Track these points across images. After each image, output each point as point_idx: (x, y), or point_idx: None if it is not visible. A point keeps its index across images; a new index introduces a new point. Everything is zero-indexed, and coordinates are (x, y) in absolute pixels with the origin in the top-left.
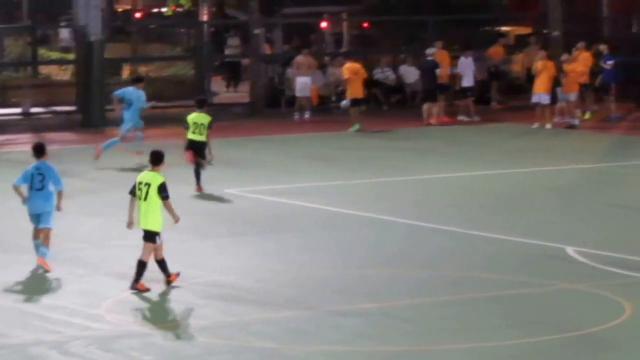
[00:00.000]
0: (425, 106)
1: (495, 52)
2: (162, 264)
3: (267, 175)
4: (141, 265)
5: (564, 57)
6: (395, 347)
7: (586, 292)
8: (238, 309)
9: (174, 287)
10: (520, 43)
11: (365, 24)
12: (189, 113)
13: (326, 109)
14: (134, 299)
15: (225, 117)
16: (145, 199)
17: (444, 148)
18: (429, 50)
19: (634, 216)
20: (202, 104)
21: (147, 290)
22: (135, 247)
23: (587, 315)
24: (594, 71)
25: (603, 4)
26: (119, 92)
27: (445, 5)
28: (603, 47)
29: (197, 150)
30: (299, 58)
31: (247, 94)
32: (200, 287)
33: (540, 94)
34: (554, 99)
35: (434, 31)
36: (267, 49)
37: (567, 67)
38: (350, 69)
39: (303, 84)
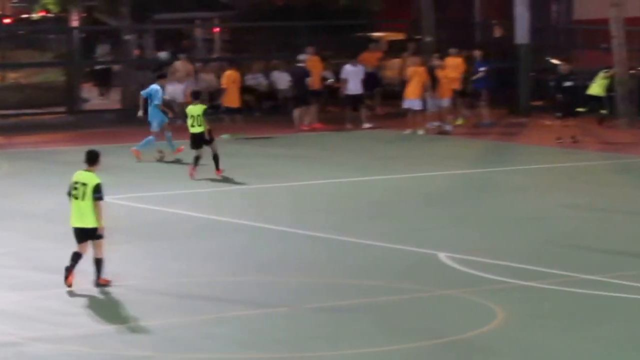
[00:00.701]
0: (296, 112)
1: (370, 58)
2: (98, 263)
3: (138, 182)
4: (98, 262)
5: (436, 62)
6: (270, 355)
7: (458, 298)
8: (110, 317)
9: (46, 295)
10: (394, 49)
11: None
12: (59, 119)
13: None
14: (8, 308)
15: (96, 124)
16: (83, 198)
17: (317, 154)
18: (301, 56)
19: (505, 222)
20: (196, 96)
21: (109, 282)
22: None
23: (460, 321)
24: (467, 77)
25: (475, 10)
26: (145, 92)
27: (317, 11)
28: (477, 53)
29: (199, 142)
30: (177, 64)
31: (119, 101)
32: (72, 295)
33: (412, 100)
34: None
35: (307, 37)
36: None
37: (439, 73)
38: (229, 77)
39: (173, 90)
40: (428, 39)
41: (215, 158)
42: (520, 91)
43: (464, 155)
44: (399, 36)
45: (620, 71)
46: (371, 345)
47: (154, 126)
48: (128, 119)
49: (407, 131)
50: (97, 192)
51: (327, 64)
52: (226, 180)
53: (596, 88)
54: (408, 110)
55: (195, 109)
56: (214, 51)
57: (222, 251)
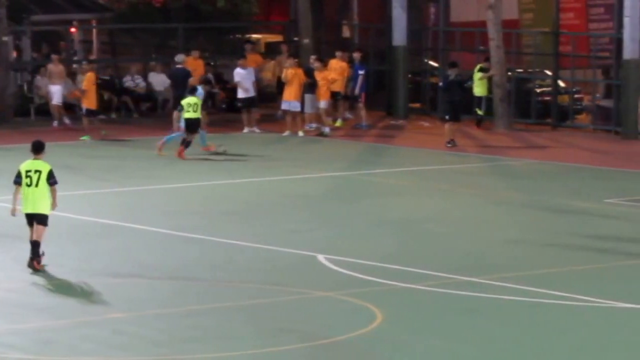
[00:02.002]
0: (175, 114)
1: (252, 60)
2: (36, 245)
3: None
4: (35, 245)
5: (316, 65)
6: (146, 357)
7: (337, 300)
8: None
9: None
10: (271, 51)
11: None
12: None
13: (77, 117)
14: None
15: None
16: (37, 185)
17: (194, 157)
18: (178, 58)
19: (384, 224)
20: (192, 91)
21: (43, 267)
22: None
23: (339, 323)
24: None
25: (353, 13)
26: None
27: (194, 13)
28: (356, 55)
29: (194, 127)
30: (50, 66)
31: None
32: None
33: (290, 102)
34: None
35: (184, 39)
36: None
37: (318, 75)
38: (89, 79)
39: (55, 92)
40: (305, 40)
41: (188, 143)
42: (398, 93)
43: (342, 157)
44: (276, 38)
45: (497, 73)
46: (247, 348)
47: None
48: (4, 121)
49: (286, 133)
50: (52, 178)
51: (209, 66)
52: (102, 181)
53: (478, 88)
54: (286, 112)
55: (194, 99)
56: (92, 53)
57: (97, 253)
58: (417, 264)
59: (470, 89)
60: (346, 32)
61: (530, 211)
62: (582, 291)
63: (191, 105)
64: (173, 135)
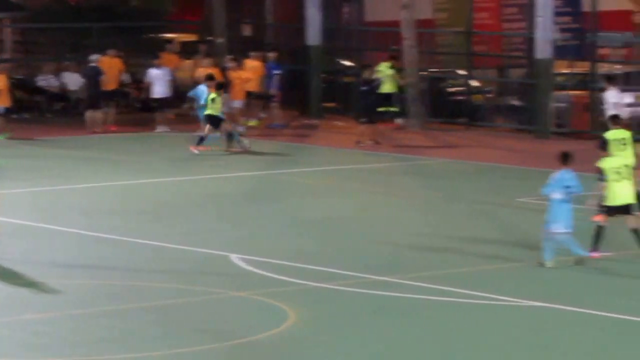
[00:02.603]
0: (88, 114)
1: (169, 60)
2: None
3: None
4: None
5: (231, 64)
6: (63, 358)
7: (250, 300)
8: None
9: None
10: (186, 51)
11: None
12: None
13: None
14: None
15: None
16: None
17: (108, 156)
18: (93, 57)
19: (298, 223)
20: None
21: None
22: None
23: (252, 323)
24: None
25: (267, 12)
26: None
27: (108, 13)
28: (271, 55)
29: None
30: None
31: None
32: None
33: None
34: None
35: (98, 38)
36: None
37: (232, 74)
38: (1, 79)
39: None
40: (220, 40)
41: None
42: (312, 93)
43: (257, 156)
44: (191, 37)
45: (411, 73)
46: (162, 348)
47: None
48: None
49: (199, 133)
50: None
51: (126, 65)
52: (15, 181)
53: (387, 85)
54: None
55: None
56: (4, 52)
57: (9, 253)
58: (331, 263)
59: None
60: (247, 31)
61: (444, 210)
62: (495, 290)
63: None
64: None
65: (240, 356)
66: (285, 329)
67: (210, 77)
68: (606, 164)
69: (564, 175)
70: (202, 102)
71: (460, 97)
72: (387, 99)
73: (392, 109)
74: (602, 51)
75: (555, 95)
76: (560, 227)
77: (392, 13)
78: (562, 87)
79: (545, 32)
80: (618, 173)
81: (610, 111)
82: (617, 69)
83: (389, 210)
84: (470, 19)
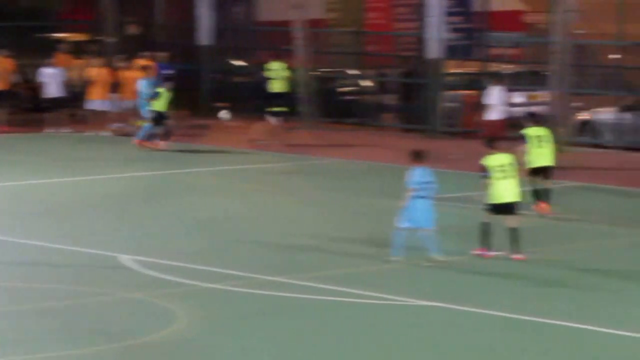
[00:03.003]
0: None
1: (61, 60)
2: None
3: None
4: None
5: (121, 64)
6: None
7: (140, 301)
8: None
9: None
10: (77, 50)
11: None
12: None
13: None
14: None
15: None
16: None
17: (2, 157)
18: None
19: (188, 224)
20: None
21: None
22: None
23: (141, 324)
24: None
25: (158, 12)
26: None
27: None
28: (162, 55)
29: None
30: None
31: None
32: None
33: (95, 101)
34: (108, 106)
35: None
36: None
37: (123, 74)
38: None
39: None
40: (110, 40)
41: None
42: (203, 93)
43: (147, 156)
44: (82, 37)
45: (302, 73)
46: (53, 350)
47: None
48: None
49: (90, 133)
50: None
51: (17, 66)
52: None
53: (277, 84)
54: (91, 112)
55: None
56: None
57: None
58: (222, 263)
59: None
60: (138, 31)
61: (335, 210)
62: (386, 289)
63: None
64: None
65: (133, 358)
66: (177, 330)
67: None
68: (491, 161)
69: (419, 173)
70: (146, 97)
71: (352, 97)
72: (278, 98)
73: (282, 108)
74: (493, 51)
75: (446, 95)
76: (410, 223)
77: (283, 13)
78: (453, 87)
79: (436, 32)
80: (503, 171)
81: (492, 109)
82: (508, 68)
83: (280, 210)
84: (361, 19)
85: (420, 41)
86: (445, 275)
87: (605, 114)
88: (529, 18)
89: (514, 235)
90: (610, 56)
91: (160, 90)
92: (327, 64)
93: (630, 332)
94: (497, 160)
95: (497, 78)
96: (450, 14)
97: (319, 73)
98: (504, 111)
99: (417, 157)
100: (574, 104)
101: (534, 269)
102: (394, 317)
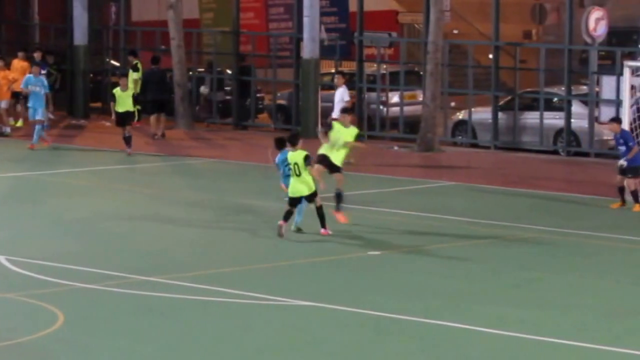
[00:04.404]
0: None
1: None
2: None
3: None
4: None
5: None
6: None
7: (17, 301)
8: None
9: None
10: None
11: None
12: None
13: None
14: None
15: None
16: None
17: None
18: None
19: (63, 224)
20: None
21: None
22: None
23: (21, 325)
24: None
25: (33, 12)
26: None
27: None
28: (37, 55)
29: (126, 119)
30: None
31: None
32: None
33: None
34: None
35: None
36: None
37: None
38: None
39: None
40: None
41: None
42: (78, 93)
43: (23, 157)
44: None
45: (179, 73)
46: None
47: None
48: None
49: None
50: None
51: None
52: None
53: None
54: None
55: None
56: None
57: None
58: (97, 264)
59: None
60: (13, 31)
61: (211, 210)
62: (264, 289)
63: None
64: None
65: (6, 358)
66: (54, 330)
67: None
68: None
69: (283, 156)
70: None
71: (228, 97)
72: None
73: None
74: (368, 51)
75: (322, 95)
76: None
77: (158, 13)
78: (329, 87)
79: (312, 32)
80: (294, 168)
81: (337, 108)
82: (383, 68)
83: (155, 210)
84: (236, 19)
85: (295, 41)
86: (325, 275)
87: (481, 114)
88: (404, 18)
89: (321, 214)
90: (485, 56)
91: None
92: (202, 65)
93: (492, 329)
94: (292, 157)
95: (342, 77)
96: (325, 14)
97: (195, 73)
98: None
99: (279, 143)
100: (449, 104)
101: (411, 266)
102: (270, 316)
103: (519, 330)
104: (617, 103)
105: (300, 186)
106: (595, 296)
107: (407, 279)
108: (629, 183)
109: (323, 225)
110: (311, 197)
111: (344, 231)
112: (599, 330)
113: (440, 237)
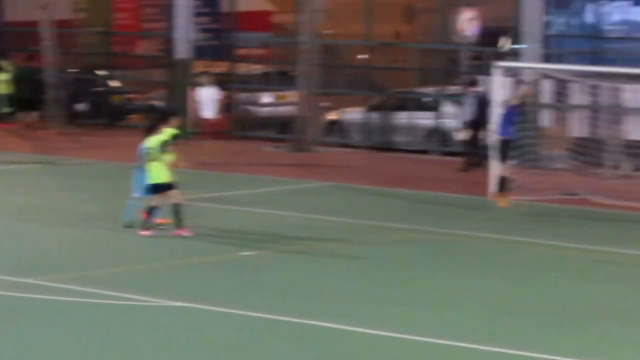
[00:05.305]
0: None
1: None
2: None
3: None
4: None
5: None
6: None
7: None
8: None
9: None
10: None
11: None
12: None
13: None
14: None
15: None
16: None
17: None
18: None
19: None
20: None
21: None
22: None
23: None
24: None
25: None
26: None
27: None
28: None
29: None
30: None
31: None
32: None
33: None
34: None
35: None
36: None
37: None
38: None
39: None
40: None
41: None
42: None
43: None
44: None
45: (51, 74)
46: None
47: None
48: None
49: None
50: None
51: None
52: None
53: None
54: None
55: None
56: None
57: None
58: None
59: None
60: None
61: (85, 211)
62: (141, 291)
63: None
64: None
65: None
66: None
67: None
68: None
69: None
70: None
71: (101, 98)
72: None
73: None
74: (241, 51)
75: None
76: (138, 192)
77: (31, 13)
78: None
79: (185, 32)
80: (150, 154)
81: (206, 108)
82: (256, 68)
83: (29, 212)
84: (110, 19)
85: (168, 41)
86: (201, 276)
87: (353, 114)
88: (277, 18)
89: (177, 211)
90: (358, 56)
91: None
92: (76, 65)
93: (371, 329)
94: (150, 142)
95: (208, 77)
96: (198, 14)
97: (68, 74)
98: (216, 109)
99: (148, 130)
100: (322, 104)
101: (286, 266)
102: (144, 318)
103: (396, 330)
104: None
105: (159, 172)
106: (474, 295)
107: (282, 279)
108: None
109: (178, 225)
110: (167, 187)
111: (218, 232)
112: (475, 329)
113: (315, 237)
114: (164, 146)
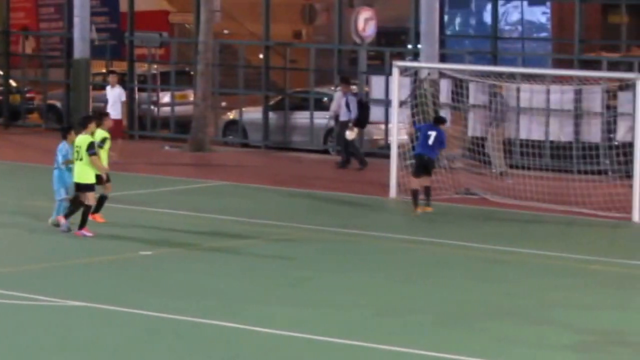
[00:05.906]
0: None
1: None
2: None
3: None
4: None
5: None
6: None
7: None
8: None
9: None
10: None
11: None
12: None
13: None
14: None
15: None
16: None
17: None
18: None
19: None
20: None
21: None
22: None
23: None
24: None
25: None
26: None
27: None
28: None
29: None
30: None
31: None
32: None
33: None
34: None
35: None
36: None
37: None
38: None
39: None
40: None
41: None
42: None
43: None
44: None
45: None
46: None
47: None
48: None
49: None
50: None
51: None
52: None
53: None
54: None
55: None
56: None
57: None
58: None
59: None
60: None
61: None
62: (33, 289)
63: None
64: None
65: None
66: None
67: None
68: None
69: (62, 147)
70: None
71: None
72: None
73: None
74: (139, 51)
75: (95, 95)
76: (62, 193)
77: None
78: (101, 87)
79: (83, 32)
80: (77, 152)
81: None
82: (154, 68)
83: None
84: (6, 19)
85: (66, 41)
86: (98, 275)
87: (252, 114)
88: (175, 18)
89: (85, 212)
90: (256, 56)
91: None
92: None
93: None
94: (79, 141)
95: (116, 76)
96: (96, 14)
97: None
98: (121, 110)
99: (65, 131)
100: (221, 104)
101: (184, 266)
102: (41, 317)
103: (291, 329)
104: (387, 102)
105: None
106: (367, 294)
107: (180, 279)
108: (424, 180)
109: (81, 225)
110: (87, 187)
111: (116, 231)
112: (370, 328)
113: (213, 236)
114: (92, 148)
